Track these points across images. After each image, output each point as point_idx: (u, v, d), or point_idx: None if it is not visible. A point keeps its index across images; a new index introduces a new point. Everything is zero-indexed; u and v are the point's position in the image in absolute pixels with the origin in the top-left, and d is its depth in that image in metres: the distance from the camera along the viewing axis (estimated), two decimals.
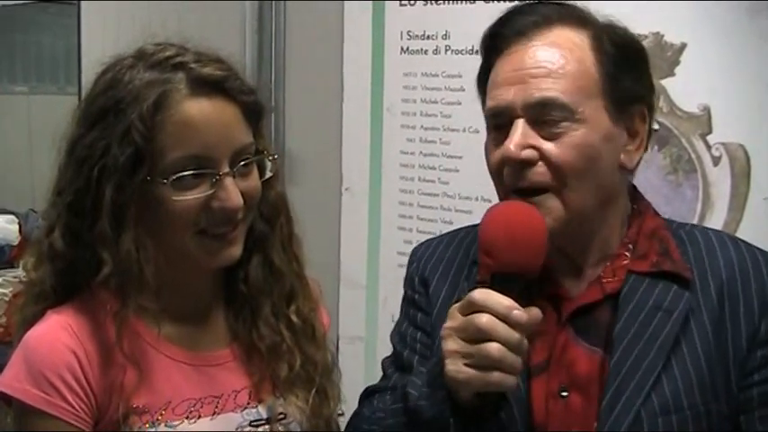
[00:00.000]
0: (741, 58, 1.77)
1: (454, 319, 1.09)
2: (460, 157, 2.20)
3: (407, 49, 2.31)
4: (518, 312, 1.05)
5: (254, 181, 1.22)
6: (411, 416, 1.16)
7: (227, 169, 1.17)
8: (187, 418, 1.22)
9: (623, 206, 1.24)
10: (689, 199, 1.84)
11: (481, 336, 1.05)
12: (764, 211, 1.76)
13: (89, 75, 1.24)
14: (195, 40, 1.25)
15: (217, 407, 1.24)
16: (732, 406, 1.16)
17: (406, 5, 2.30)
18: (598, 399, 1.16)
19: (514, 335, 1.05)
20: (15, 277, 3.18)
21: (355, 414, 1.35)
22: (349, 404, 1.38)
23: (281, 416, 1.28)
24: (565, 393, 1.18)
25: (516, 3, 1.28)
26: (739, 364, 1.15)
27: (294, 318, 1.30)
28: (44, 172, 1.27)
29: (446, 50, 2.22)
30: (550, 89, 1.15)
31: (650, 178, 1.84)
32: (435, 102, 2.26)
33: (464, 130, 2.17)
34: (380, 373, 1.41)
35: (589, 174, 1.16)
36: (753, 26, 1.74)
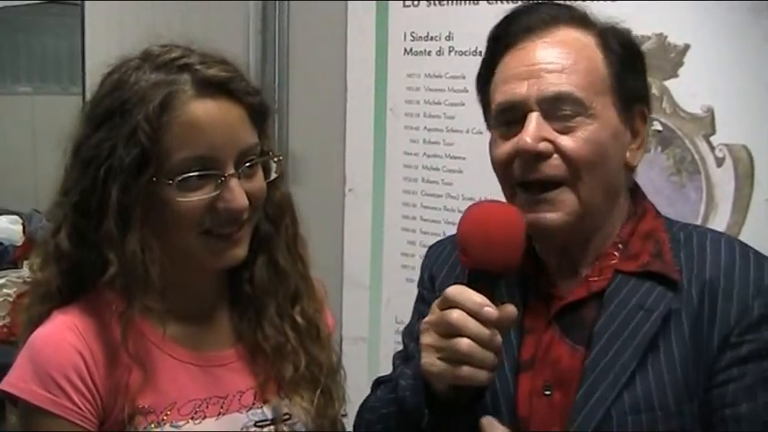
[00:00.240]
0: (744, 59, 1.77)
1: (432, 313, 1.12)
2: (464, 158, 2.20)
3: (411, 50, 2.31)
4: (489, 309, 1.07)
5: (259, 182, 1.23)
6: (398, 405, 1.20)
7: (232, 170, 1.18)
8: (192, 418, 1.22)
9: (623, 206, 1.25)
10: (692, 200, 1.85)
11: (452, 331, 1.07)
12: (767, 211, 1.77)
13: (93, 75, 1.25)
14: (198, 41, 1.25)
15: (222, 407, 1.24)
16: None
17: (409, 6, 2.31)
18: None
19: (484, 331, 1.07)
20: (19, 277, 3.19)
21: (362, 404, 1.37)
22: (352, 405, 1.38)
23: (286, 416, 1.28)
24: (548, 392, 1.20)
25: (520, 4, 1.29)
26: (709, 365, 1.14)
27: (299, 318, 1.30)
28: (48, 172, 1.27)
29: (450, 51, 2.22)
30: (565, 83, 1.17)
31: (653, 179, 1.85)
32: (439, 103, 2.26)
33: (467, 132, 2.17)
34: (383, 374, 1.42)
35: (600, 169, 1.18)
36: (756, 27, 1.75)
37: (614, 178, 1.21)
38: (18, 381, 1.17)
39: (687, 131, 1.85)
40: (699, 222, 1.81)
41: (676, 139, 1.86)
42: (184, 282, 1.25)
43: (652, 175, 1.85)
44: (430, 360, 1.10)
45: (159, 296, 1.21)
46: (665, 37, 1.84)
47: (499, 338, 1.09)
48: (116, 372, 1.18)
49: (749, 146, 1.78)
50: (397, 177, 2.37)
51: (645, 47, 1.80)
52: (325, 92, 2.54)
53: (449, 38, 2.22)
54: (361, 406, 1.36)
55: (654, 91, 1.85)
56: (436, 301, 1.12)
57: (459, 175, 2.23)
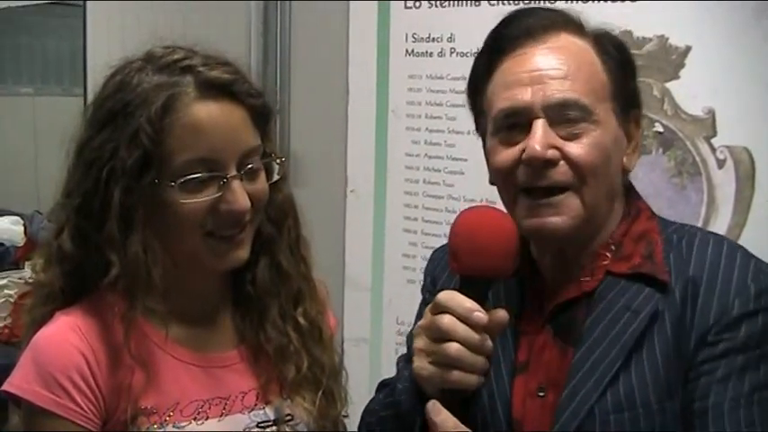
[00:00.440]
0: (745, 61, 1.77)
1: (425, 318, 1.13)
2: (465, 160, 2.21)
3: (413, 51, 2.31)
4: (478, 314, 1.08)
5: (261, 184, 1.23)
6: (395, 408, 1.21)
7: (234, 172, 1.18)
8: (195, 419, 1.22)
9: (618, 208, 1.25)
10: (693, 202, 1.85)
11: (442, 335, 1.08)
12: None
13: (95, 76, 1.25)
14: (200, 42, 1.25)
15: (224, 408, 1.25)
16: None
17: (411, 8, 2.31)
18: None
19: (474, 336, 1.08)
20: (21, 278, 3.20)
21: (366, 406, 1.37)
22: (354, 405, 1.39)
23: (289, 417, 1.29)
24: (542, 393, 1.20)
25: (521, 6, 1.29)
26: (687, 362, 1.15)
27: (301, 320, 1.30)
28: (49, 173, 1.27)
29: (451, 53, 2.22)
30: (569, 90, 1.17)
31: (655, 181, 1.85)
32: (440, 104, 2.26)
33: (469, 133, 2.14)
34: (385, 376, 1.43)
35: (603, 174, 1.19)
36: (758, 28, 1.75)
37: (613, 182, 1.22)
38: (21, 382, 1.17)
39: (688, 133, 1.85)
40: (700, 224, 1.81)
41: (677, 140, 1.86)
42: (187, 283, 1.25)
43: (653, 176, 1.85)
44: (421, 364, 1.11)
45: (161, 297, 1.21)
46: (667, 39, 1.84)
47: (489, 343, 1.09)
48: (119, 373, 1.18)
49: (750, 148, 1.78)
50: (399, 179, 2.37)
51: (646, 48, 1.81)
52: (326, 93, 2.54)
53: (450, 39, 2.23)
54: (365, 408, 1.36)
55: (655, 93, 1.86)
56: (429, 305, 1.13)
57: (461, 177, 2.23)
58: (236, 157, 1.18)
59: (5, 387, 1.19)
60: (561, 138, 1.17)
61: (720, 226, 1.80)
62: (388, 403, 1.25)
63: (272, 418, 1.28)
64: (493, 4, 2.10)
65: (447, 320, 1.08)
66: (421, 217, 2.32)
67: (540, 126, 1.16)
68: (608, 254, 1.23)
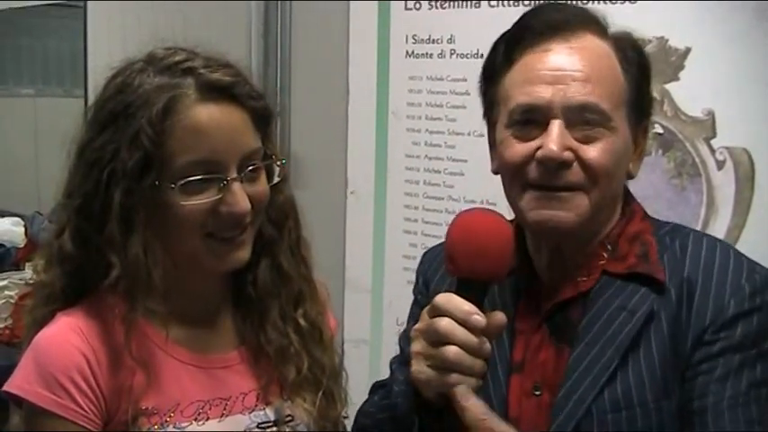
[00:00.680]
0: (745, 62, 1.78)
1: (422, 320, 1.12)
2: (466, 161, 2.21)
3: (413, 52, 2.32)
4: (476, 317, 1.07)
5: (262, 185, 1.23)
6: (391, 411, 1.20)
7: (234, 174, 1.18)
8: (195, 419, 1.22)
9: (617, 210, 1.26)
10: (693, 203, 1.85)
11: (440, 338, 1.07)
12: None
13: (95, 77, 1.25)
14: (201, 42, 1.25)
15: (225, 409, 1.25)
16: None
17: (411, 9, 2.31)
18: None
19: (472, 339, 1.07)
20: (21, 279, 3.20)
21: (359, 408, 1.37)
22: (354, 407, 1.39)
23: (289, 418, 1.29)
24: (538, 392, 1.21)
25: (521, 7, 1.28)
26: (684, 362, 1.15)
27: (302, 321, 1.31)
28: (50, 174, 1.28)
29: (451, 54, 2.22)
30: (591, 94, 1.16)
31: (654, 182, 1.85)
32: (441, 105, 2.27)
33: (469, 134, 2.18)
34: (385, 377, 1.42)
35: (613, 178, 1.19)
36: (758, 30, 1.75)
37: (619, 186, 1.23)
38: (22, 382, 1.17)
39: (688, 134, 1.85)
40: (699, 225, 1.81)
41: (677, 142, 1.86)
42: (187, 284, 1.26)
43: (653, 178, 1.85)
44: (419, 368, 1.10)
45: (162, 299, 1.21)
46: (666, 40, 1.85)
47: (488, 346, 1.09)
48: (119, 373, 1.19)
49: (750, 149, 1.79)
50: (399, 180, 2.37)
51: (645, 50, 1.81)
52: (326, 95, 2.55)
53: (450, 40, 2.23)
54: (359, 410, 1.36)
55: (655, 94, 1.85)
56: (426, 308, 1.12)
57: (461, 178, 2.24)
58: (236, 160, 1.18)
59: (7, 387, 1.19)
60: (576, 140, 1.17)
61: (720, 227, 1.80)
62: (383, 406, 1.25)
63: (272, 418, 1.28)
64: (493, 6, 2.09)
65: (445, 323, 1.07)
66: (421, 218, 2.32)
67: (557, 126, 1.16)
68: (604, 254, 1.23)
